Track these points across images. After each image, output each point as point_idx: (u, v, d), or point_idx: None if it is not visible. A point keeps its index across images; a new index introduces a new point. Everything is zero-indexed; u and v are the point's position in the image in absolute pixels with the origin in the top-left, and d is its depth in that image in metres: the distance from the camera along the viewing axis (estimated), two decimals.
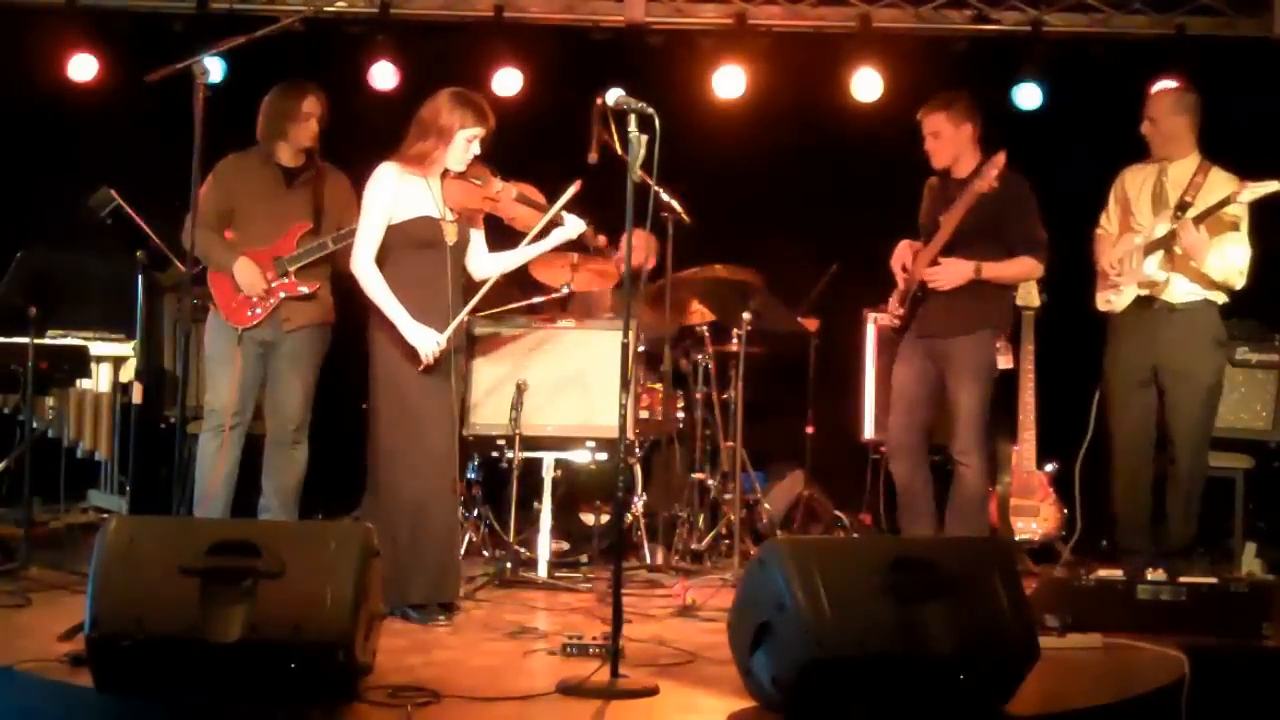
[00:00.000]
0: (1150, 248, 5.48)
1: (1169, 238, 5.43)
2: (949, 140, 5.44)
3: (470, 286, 4.97)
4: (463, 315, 4.80)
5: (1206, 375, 5.51)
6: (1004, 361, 5.62)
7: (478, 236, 5.00)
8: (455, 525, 4.94)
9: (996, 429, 6.38)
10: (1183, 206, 5.43)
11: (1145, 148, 5.66)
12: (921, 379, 5.47)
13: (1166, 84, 6.27)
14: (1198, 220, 5.34)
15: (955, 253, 5.36)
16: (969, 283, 5.34)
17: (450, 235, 4.82)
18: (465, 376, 5.79)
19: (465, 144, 4.79)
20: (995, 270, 5.37)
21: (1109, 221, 5.74)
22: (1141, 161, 5.68)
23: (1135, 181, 5.65)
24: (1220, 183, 5.44)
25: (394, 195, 4.76)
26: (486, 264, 5.03)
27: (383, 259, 4.78)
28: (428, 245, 4.78)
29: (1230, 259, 5.41)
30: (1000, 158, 5.23)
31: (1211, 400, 5.58)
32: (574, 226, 4.99)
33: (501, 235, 5.10)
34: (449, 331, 4.73)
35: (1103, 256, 5.66)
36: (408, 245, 4.77)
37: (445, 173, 4.84)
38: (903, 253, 5.61)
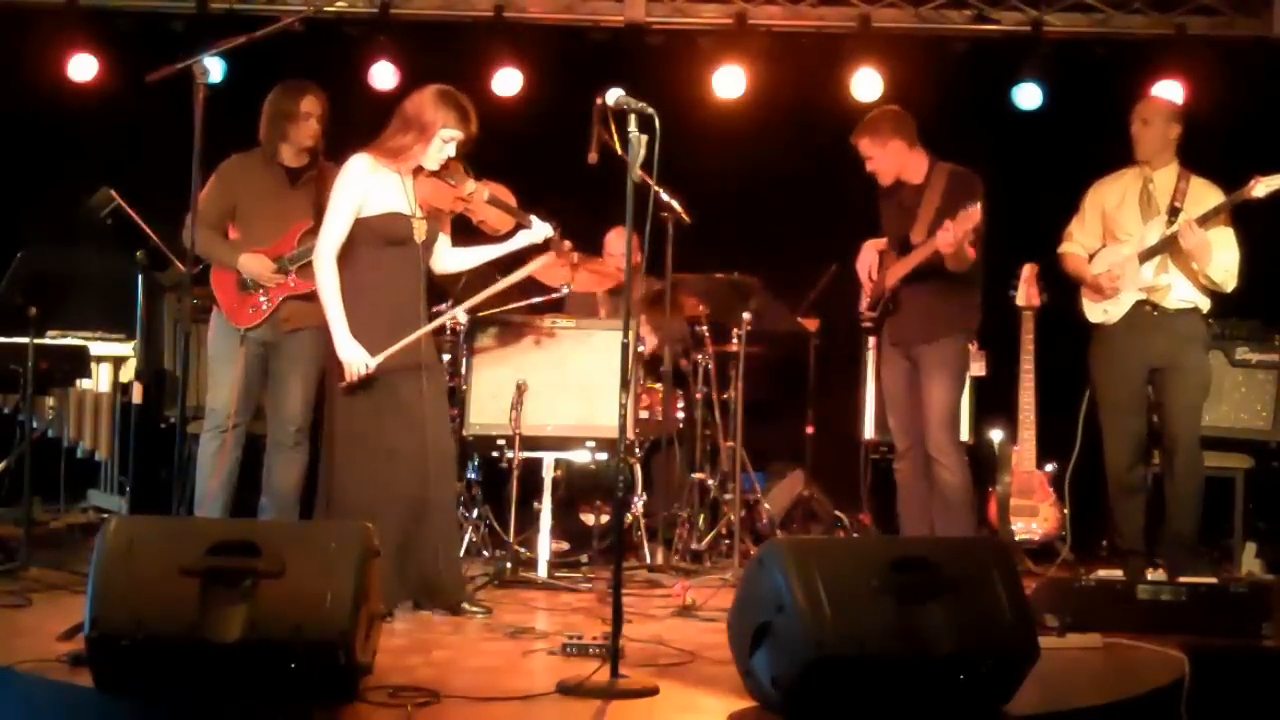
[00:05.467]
0: (1146, 255, 5.50)
1: (1165, 243, 5.45)
2: (881, 160, 5.49)
3: (434, 284, 4.93)
4: (424, 330, 4.68)
5: (1202, 373, 5.60)
6: (976, 368, 5.61)
7: (442, 234, 4.92)
8: (412, 531, 4.63)
9: (993, 429, 6.41)
10: (1174, 212, 5.47)
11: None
12: (906, 375, 5.51)
13: (1162, 90, 6.26)
14: (1200, 222, 5.35)
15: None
16: (937, 289, 5.36)
17: (420, 233, 4.73)
18: (465, 376, 5.81)
19: (442, 144, 4.71)
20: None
21: (1081, 234, 5.72)
22: (1114, 174, 5.69)
23: (1114, 193, 5.66)
24: (1202, 189, 5.50)
25: (365, 188, 4.66)
26: (449, 260, 4.98)
27: (352, 255, 4.66)
28: (398, 242, 4.69)
29: (1225, 261, 5.45)
30: (975, 211, 5.08)
31: (1204, 399, 5.67)
32: (539, 231, 4.94)
33: (469, 232, 5.05)
34: (389, 352, 4.56)
35: (1086, 269, 5.65)
36: (377, 242, 4.67)
37: (419, 170, 4.76)
38: (868, 256, 5.64)
